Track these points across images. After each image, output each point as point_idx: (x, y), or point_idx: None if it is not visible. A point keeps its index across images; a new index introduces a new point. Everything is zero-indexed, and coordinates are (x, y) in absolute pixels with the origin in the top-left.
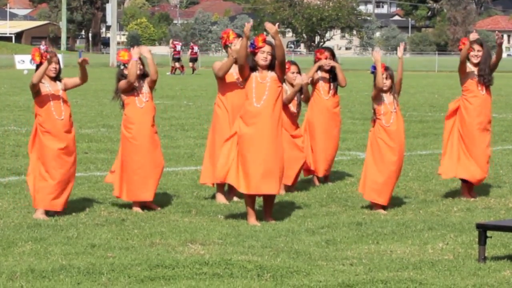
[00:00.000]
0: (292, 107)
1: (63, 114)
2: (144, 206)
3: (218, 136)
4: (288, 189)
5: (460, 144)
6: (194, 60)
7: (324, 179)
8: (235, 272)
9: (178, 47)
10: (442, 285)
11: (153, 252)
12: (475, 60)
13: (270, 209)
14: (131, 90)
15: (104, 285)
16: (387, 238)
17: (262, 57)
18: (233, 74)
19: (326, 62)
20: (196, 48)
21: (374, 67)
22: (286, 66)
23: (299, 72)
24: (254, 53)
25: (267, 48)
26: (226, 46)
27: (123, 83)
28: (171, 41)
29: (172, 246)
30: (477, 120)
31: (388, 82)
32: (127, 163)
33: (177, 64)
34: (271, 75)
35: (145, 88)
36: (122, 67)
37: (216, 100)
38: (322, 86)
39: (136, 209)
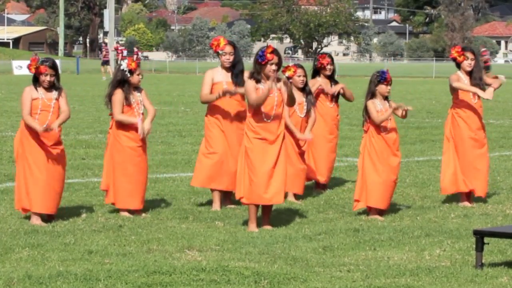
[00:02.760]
0: (299, 113)
1: (46, 123)
2: (132, 213)
3: (209, 143)
4: (296, 197)
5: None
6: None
7: (323, 186)
8: (232, 278)
9: (125, 53)
10: None
11: (150, 258)
12: (468, 68)
13: (268, 216)
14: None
15: None
16: (384, 245)
17: (271, 69)
18: (223, 83)
19: (335, 90)
20: (140, 54)
21: (384, 72)
22: (293, 70)
23: (305, 76)
24: (261, 65)
25: (275, 60)
26: (217, 53)
27: (120, 100)
28: (115, 46)
29: (169, 253)
30: (472, 129)
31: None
32: (119, 171)
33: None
34: (276, 87)
35: (140, 98)
36: (128, 74)
37: (207, 110)
38: (324, 94)
39: (124, 213)
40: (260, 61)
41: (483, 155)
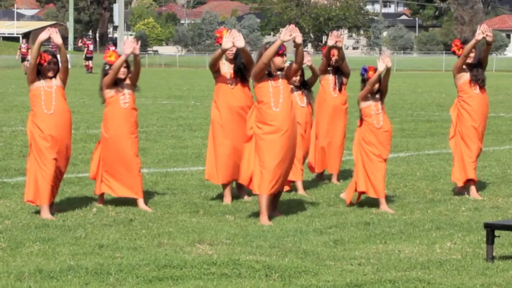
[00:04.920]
0: (300, 102)
1: (52, 108)
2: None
3: (215, 135)
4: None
5: (460, 145)
6: (90, 58)
7: (337, 178)
8: (243, 272)
9: (91, 47)
10: (450, 284)
11: (161, 252)
12: (469, 60)
13: (277, 202)
14: (115, 86)
15: (112, 286)
16: (395, 238)
17: (283, 60)
18: (227, 74)
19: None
20: (91, 47)
21: (365, 70)
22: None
23: (302, 75)
24: (276, 56)
25: (284, 51)
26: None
27: (107, 77)
28: (83, 40)
29: (180, 246)
30: (475, 120)
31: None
32: (103, 161)
33: (90, 63)
34: (282, 76)
35: (127, 89)
36: (107, 67)
37: (213, 100)
38: (329, 84)
39: (143, 207)
40: (279, 51)
41: (478, 147)
